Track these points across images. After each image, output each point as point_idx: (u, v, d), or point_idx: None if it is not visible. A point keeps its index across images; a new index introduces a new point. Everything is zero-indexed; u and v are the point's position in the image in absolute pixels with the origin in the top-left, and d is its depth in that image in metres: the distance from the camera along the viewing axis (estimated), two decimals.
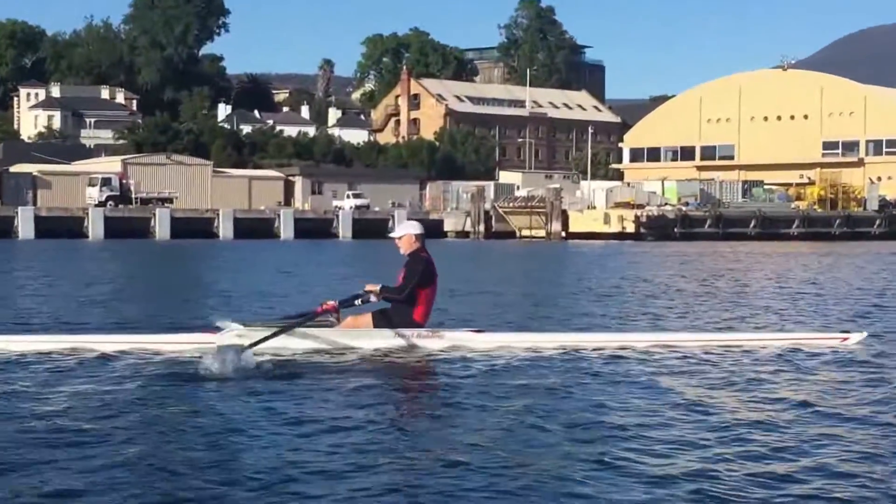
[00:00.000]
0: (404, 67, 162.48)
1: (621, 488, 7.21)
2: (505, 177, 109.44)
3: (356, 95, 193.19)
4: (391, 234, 13.93)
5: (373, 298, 13.24)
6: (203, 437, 8.53)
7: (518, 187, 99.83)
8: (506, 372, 12.00)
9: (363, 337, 13.32)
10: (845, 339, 14.69)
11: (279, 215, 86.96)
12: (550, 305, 21.97)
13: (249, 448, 8.17)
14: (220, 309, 19.23)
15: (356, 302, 13.30)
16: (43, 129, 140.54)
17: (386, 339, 13.29)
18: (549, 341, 14.20)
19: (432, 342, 13.37)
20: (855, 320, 18.52)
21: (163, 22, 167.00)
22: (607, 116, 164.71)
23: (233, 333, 13.01)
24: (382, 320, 13.38)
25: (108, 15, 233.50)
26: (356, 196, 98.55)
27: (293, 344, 13.17)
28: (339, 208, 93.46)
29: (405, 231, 13.66)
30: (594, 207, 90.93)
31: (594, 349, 13.76)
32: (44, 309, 19.89)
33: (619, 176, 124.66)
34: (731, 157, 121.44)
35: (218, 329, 13.34)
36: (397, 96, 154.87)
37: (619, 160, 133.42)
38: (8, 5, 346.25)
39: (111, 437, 8.40)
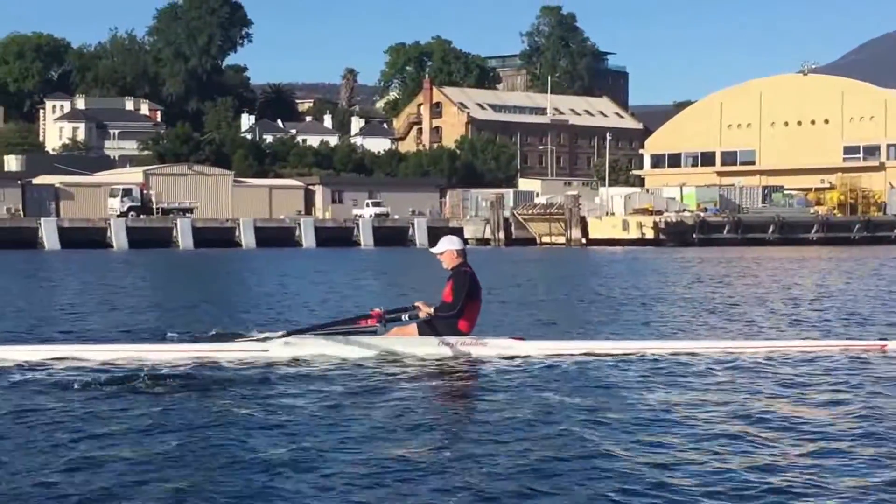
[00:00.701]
0: (426, 76, 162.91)
1: (665, 498, 7.45)
2: (524, 184, 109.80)
3: (380, 104, 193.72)
4: (432, 250, 14.19)
5: (421, 315, 13.61)
6: (251, 440, 8.93)
7: (537, 194, 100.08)
8: (548, 379, 12.24)
9: (409, 344, 13.63)
10: (884, 346, 14.80)
11: (300, 224, 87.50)
12: (584, 312, 22.17)
13: (294, 451, 8.54)
14: (266, 317, 19.80)
15: (403, 316, 13.70)
16: (67, 141, 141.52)
17: (431, 347, 13.59)
18: (592, 348, 14.42)
19: (476, 349, 13.65)
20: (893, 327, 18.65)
21: (186, 33, 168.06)
22: (629, 123, 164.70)
23: (282, 341, 13.54)
24: (428, 329, 13.72)
25: (132, 27, 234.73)
26: (376, 204, 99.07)
27: (340, 350, 13.55)
28: (359, 217, 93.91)
29: (446, 247, 13.91)
30: (613, 214, 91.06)
31: (637, 356, 14.03)
32: (107, 319, 20.28)
33: (640, 182, 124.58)
34: (752, 163, 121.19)
35: (266, 338, 13.83)
36: (419, 105, 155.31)
37: (641, 166, 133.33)
38: (34, 18, 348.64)
39: (163, 445, 8.76)
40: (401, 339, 13.67)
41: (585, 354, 13.99)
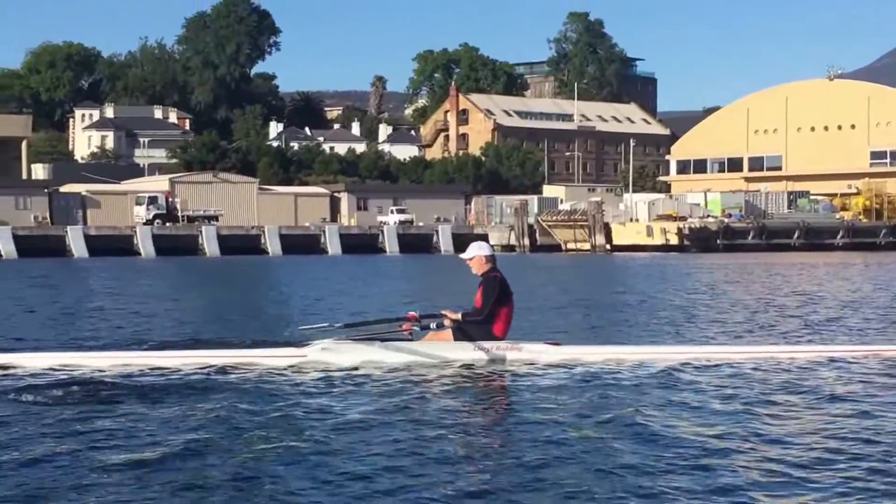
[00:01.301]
0: (452, 83, 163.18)
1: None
2: (548, 190, 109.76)
3: (409, 111, 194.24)
4: (462, 256, 14.25)
5: (447, 324, 13.73)
6: (289, 443, 9.11)
7: (561, 201, 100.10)
8: (583, 384, 12.31)
9: (445, 349, 13.72)
10: None
11: (325, 231, 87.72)
12: (616, 318, 22.24)
13: (332, 454, 8.71)
14: (304, 323, 20.02)
15: (432, 325, 13.82)
16: (96, 150, 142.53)
17: (467, 352, 13.67)
18: (626, 354, 14.50)
19: (512, 354, 13.72)
20: None
21: (215, 42, 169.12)
22: (656, 129, 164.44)
23: (319, 347, 13.74)
24: (463, 335, 13.77)
25: (162, 36, 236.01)
26: (400, 211, 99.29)
27: (377, 356, 13.68)
28: (384, 224, 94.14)
29: (475, 253, 13.99)
30: (636, 220, 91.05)
31: (672, 362, 14.00)
32: (150, 325, 20.53)
33: (667, 188, 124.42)
34: (779, 168, 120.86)
35: (306, 343, 14.08)
36: (446, 112, 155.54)
37: (668, 172, 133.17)
38: (65, 28, 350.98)
39: (203, 449, 8.94)
40: (437, 345, 13.76)
41: (622, 360, 14.07)
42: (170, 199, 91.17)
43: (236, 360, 13.82)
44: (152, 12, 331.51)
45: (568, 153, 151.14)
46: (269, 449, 8.88)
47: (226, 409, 10.69)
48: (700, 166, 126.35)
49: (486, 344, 13.68)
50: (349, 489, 7.72)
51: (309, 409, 10.74)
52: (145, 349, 15.23)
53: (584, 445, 9.07)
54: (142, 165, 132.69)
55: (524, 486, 7.79)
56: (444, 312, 13.86)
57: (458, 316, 13.69)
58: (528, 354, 13.83)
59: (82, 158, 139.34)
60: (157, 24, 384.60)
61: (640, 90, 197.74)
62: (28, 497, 7.52)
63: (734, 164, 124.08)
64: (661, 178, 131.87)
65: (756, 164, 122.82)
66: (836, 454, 8.82)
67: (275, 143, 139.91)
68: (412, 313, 13.83)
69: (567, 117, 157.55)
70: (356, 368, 13.23)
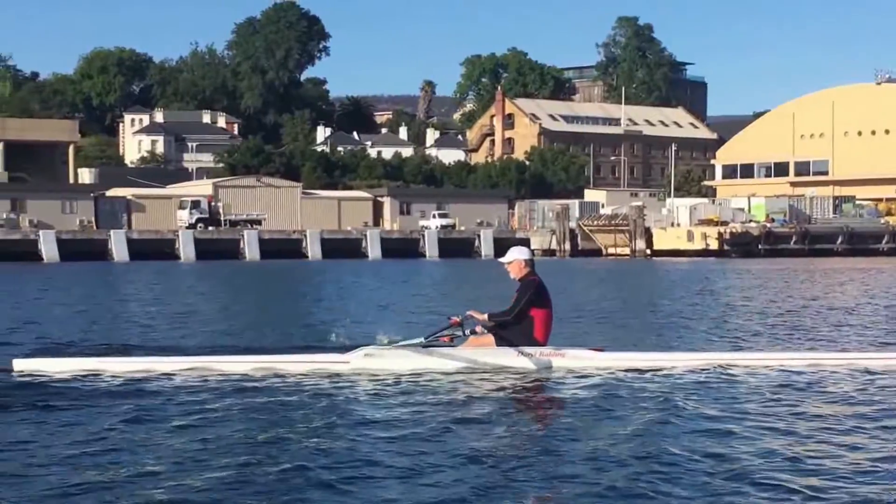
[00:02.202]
0: (498, 88, 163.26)
1: None
2: (590, 195, 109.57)
3: (457, 116, 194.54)
4: (500, 260, 14.26)
5: (478, 329, 13.83)
6: (332, 449, 9.29)
7: (603, 205, 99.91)
8: (627, 390, 12.35)
9: (488, 355, 13.75)
10: None
11: (366, 235, 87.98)
12: (657, 323, 22.28)
13: (374, 460, 8.88)
14: (347, 329, 20.18)
15: (465, 331, 13.85)
16: (146, 154, 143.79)
17: (510, 358, 13.71)
18: (670, 360, 14.52)
19: (555, 360, 13.79)
20: None
21: (264, 47, 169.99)
22: (703, 133, 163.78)
23: (362, 353, 13.90)
24: (504, 340, 13.81)
25: (212, 41, 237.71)
26: (442, 216, 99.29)
27: (419, 362, 13.79)
28: (426, 228, 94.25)
29: (514, 257, 14.00)
30: (678, 225, 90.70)
31: (719, 368, 14.03)
32: (186, 329, 20.89)
33: (713, 193, 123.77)
34: (825, 173, 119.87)
35: (349, 349, 14.26)
36: (492, 116, 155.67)
37: (713, 177, 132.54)
38: (117, 34, 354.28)
39: (243, 453, 9.12)
40: (479, 351, 13.78)
41: (665, 366, 14.08)
42: (212, 203, 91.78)
43: (280, 365, 14.00)
44: (203, 18, 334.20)
45: (613, 157, 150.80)
46: (311, 455, 9.02)
47: (269, 414, 10.85)
48: (746, 171, 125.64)
49: (529, 350, 13.72)
50: (391, 494, 7.86)
51: (351, 415, 10.86)
52: (185, 355, 15.43)
53: (629, 452, 9.12)
54: (190, 170, 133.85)
55: (567, 491, 7.89)
56: (470, 313, 13.88)
57: (485, 316, 13.72)
58: (572, 361, 13.87)
59: (132, 163, 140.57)
60: (208, 30, 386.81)
61: (690, 94, 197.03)
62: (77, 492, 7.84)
63: (780, 169, 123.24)
64: (707, 183, 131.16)
65: (802, 168, 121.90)
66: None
67: (320, 148, 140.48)
68: (455, 318, 13.74)
69: (613, 121, 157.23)
70: (399, 375, 13.34)
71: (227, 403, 11.54)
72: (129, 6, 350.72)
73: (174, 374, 13.50)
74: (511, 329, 13.74)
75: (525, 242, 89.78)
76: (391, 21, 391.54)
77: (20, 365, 14.05)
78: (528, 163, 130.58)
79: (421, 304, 29.26)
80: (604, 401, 11.61)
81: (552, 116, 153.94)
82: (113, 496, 7.76)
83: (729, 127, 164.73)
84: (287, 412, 10.97)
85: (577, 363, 13.84)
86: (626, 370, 13.71)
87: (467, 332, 13.81)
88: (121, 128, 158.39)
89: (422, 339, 14.04)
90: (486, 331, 13.79)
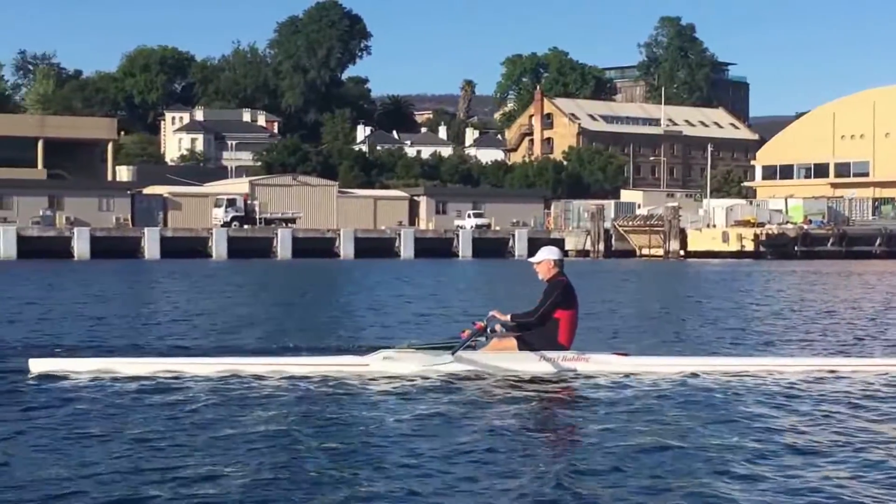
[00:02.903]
0: (537, 87, 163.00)
1: None
2: (626, 195, 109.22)
3: (498, 115, 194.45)
4: (530, 260, 14.13)
5: (498, 328, 13.60)
6: (350, 451, 9.32)
7: (639, 206, 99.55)
8: (651, 397, 12.22)
9: (510, 360, 13.63)
10: None
11: (399, 235, 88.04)
12: (683, 327, 22.17)
13: (392, 463, 8.89)
14: (373, 331, 20.31)
15: (488, 332, 13.74)
16: (185, 152, 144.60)
17: (532, 362, 13.57)
18: (694, 365, 14.34)
19: (578, 365, 13.62)
20: None
21: (306, 46, 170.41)
22: (744, 134, 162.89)
23: (381, 356, 13.89)
24: (527, 344, 13.66)
25: (254, 40, 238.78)
26: (477, 215, 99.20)
27: (437, 365, 13.69)
28: (460, 228, 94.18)
29: (543, 257, 13.84)
30: (714, 226, 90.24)
31: (746, 373, 13.94)
32: (215, 331, 20.89)
33: (752, 194, 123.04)
34: (866, 174, 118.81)
35: (371, 350, 14.32)
36: (531, 116, 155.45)
37: (754, 178, 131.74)
38: (160, 32, 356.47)
39: (263, 454, 9.19)
40: (501, 355, 13.64)
41: (690, 371, 13.93)
42: (248, 202, 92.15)
43: (298, 367, 13.97)
44: (246, 17, 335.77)
45: (653, 158, 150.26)
46: (329, 456, 9.05)
47: (287, 416, 10.87)
48: (786, 172, 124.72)
49: (552, 354, 13.57)
50: (409, 497, 7.88)
51: (369, 418, 10.85)
52: (202, 356, 15.44)
53: (653, 458, 9.10)
54: (229, 168, 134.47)
55: (588, 497, 7.86)
56: (492, 313, 13.71)
57: (507, 317, 13.57)
58: (595, 365, 13.70)
59: (171, 161, 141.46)
60: (251, 29, 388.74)
61: (732, 95, 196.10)
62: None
63: (820, 170, 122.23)
64: (747, 184, 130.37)
65: (843, 170, 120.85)
66: None
67: (359, 147, 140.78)
68: (479, 323, 13.60)
69: (653, 122, 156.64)
70: (418, 378, 13.28)
71: (245, 404, 11.59)
72: (172, 5, 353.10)
73: (190, 375, 13.50)
74: (534, 331, 13.57)
75: (559, 242, 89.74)
76: (433, 20, 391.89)
77: (36, 365, 14.06)
78: (565, 163, 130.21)
79: (437, 305, 29.21)
80: (628, 407, 11.55)
81: (591, 116, 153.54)
82: (129, 496, 7.85)
83: (772, 127, 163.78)
84: (306, 414, 11.01)
85: (601, 368, 13.67)
86: (651, 375, 13.62)
87: (489, 331, 13.65)
88: (162, 126, 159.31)
89: (441, 344, 14.08)
90: (505, 331, 13.62)
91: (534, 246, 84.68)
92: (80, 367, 13.93)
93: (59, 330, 20.59)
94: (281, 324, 22.65)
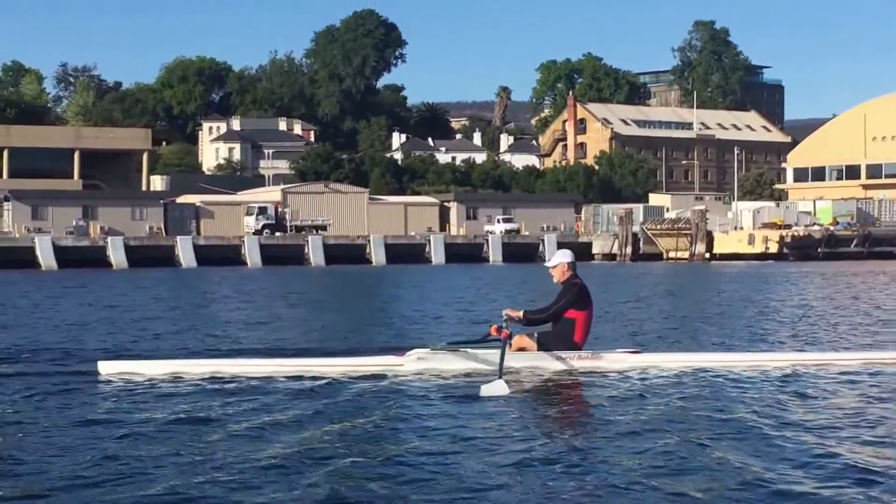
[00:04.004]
0: (570, 93, 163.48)
1: None
2: (654, 199, 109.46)
3: (534, 121, 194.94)
4: (546, 264, 14.68)
5: (511, 321, 14.07)
6: (384, 450, 9.60)
7: (668, 209, 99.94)
8: (664, 392, 12.54)
9: (528, 359, 14.15)
10: None
11: (430, 240, 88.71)
12: (701, 325, 22.56)
13: (425, 461, 9.13)
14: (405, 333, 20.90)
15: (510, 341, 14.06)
16: (222, 161, 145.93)
17: (548, 361, 14.13)
18: (704, 361, 14.81)
19: (592, 363, 14.17)
20: None
21: (341, 54, 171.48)
22: (777, 136, 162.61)
23: (415, 356, 14.47)
24: (545, 344, 14.21)
25: (291, 50, 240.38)
26: (506, 220, 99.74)
27: (467, 366, 14.28)
28: (490, 233, 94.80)
29: (558, 261, 14.43)
30: (741, 228, 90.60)
31: (755, 368, 14.37)
32: (252, 334, 21.45)
33: (784, 196, 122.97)
34: None
35: (403, 352, 14.77)
36: (564, 121, 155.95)
37: (785, 180, 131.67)
38: (197, 43, 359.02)
39: (301, 454, 9.47)
40: (523, 355, 14.12)
41: (701, 367, 14.34)
42: (279, 210, 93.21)
43: (335, 367, 14.53)
44: (283, 27, 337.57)
45: (685, 161, 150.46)
46: (365, 454, 9.36)
47: (323, 415, 11.26)
48: (818, 174, 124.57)
49: (566, 353, 14.10)
50: (444, 496, 8.08)
51: (404, 416, 11.23)
52: (244, 357, 16.02)
53: (662, 453, 9.28)
54: (266, 176, 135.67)
55: (600, 496, 8.04)
56: (506, 312, 14.20)
57: (520, 314, 14.11)
58: (609, 363, 14.24)
59: (208, 170, 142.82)
60: (287, 39, 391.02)
61: (767, 98, 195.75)
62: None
63: (852, 172, 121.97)
64: (779, 186, 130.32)
65: (875, 171, 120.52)
66: None
67: (396, 154, 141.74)
68: (504, 331, 13.89)
69: (686, 125, 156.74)
70: (450, 377, 13.81)
71: (288, 404, 12.00)
72: (210, 16, 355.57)
73: (242, 377, 14.02)
74: (552, 332, 14.23)
75: (588, 246, 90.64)
76: (469, 28, 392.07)
77: (105, 368, 14.60)
78: (596, 167, 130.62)
79: (467, 307, 29.84)
80: (638, 403, 11.88)
81: (624, 121, 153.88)
82: (191, 494, 8.17)
83: (807, 130, 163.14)
84: (340, 414, 11.35)
85: (615, 365, 14.19)
86: (662, 371, 14.08)
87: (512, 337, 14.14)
88: (200, 136, 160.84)
89: (471, 343, 14.69)
90: (527, 329, 14.32)
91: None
92: (148, 370, 14.49)
93: (127, 334, 21.28)
94: (321, 327, 23.23)
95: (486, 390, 12.48)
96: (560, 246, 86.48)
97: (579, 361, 14.15)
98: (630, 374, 13.89)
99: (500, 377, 12.87)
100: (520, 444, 9.76)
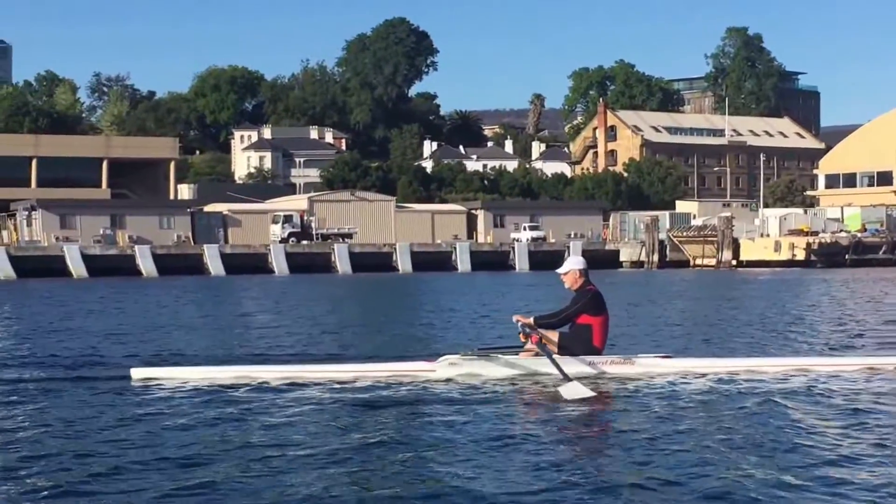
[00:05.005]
0: (601, 100, 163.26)
1: None
2: (681, 206, 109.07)
3: (567, 128, 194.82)
4: (557, 271, 14.65)
5: (523, 332, 14.21)
6: (417, 455, 9.65)
7: (694, 216, 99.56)
8: (696, 398, 12.52)
9: (564, 364, 13.82)
10: None
11: (456, 248, 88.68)
12: (731, 330, 22.60)
13: (458, 468, 9.12)
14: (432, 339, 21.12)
15: (521, 337, 14.31)
16: (253, 170, 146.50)
17: (581, 366, 14.01)
18: (737, 367, 14.81)
19: (624, 368, 14.16)
20: None
21: (373, 63, 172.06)
22: (810, 143, 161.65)
23: (447, 362, 14.49)
24: (565, 348, 14.14)
25: (323, 58, 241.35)
26: (533, 228, 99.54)
27: (499, 371, 14.29)
28: (517, 240, 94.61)
29: (569, 267, 14.43)
30: (767, 235, 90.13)
31: (785, 374, 14.33)
32: (282, 341, 21.52)
33: (816, 203, 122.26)
34: None
35: (437, 357, 14.89)
36: (595, 128, 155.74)
37: (815, 187, 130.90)
38: (230, 53, 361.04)
39: (331, 458, 9.57)
40: (558, 360, 13.87)
41: (733, 372, 14.35)
42: (304, 218, 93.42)
43: (367, 373, 14.65)
44: (315, 36, 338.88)
45: (717, 168, 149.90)
46: (396, 460, 9.41)
47: (357, 421, 11.35)
48: (849, 180, 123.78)
49: (599, 358, 14.14)
50: (468, 498, 8.16)
51: (437, 422, 11.29)
52: (277, 363, 16.09)
53: (694, 459, 9.27)
54: (297, 185, 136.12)
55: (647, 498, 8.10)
56: (516, 318, 14.34)
57: (531, 320, 14.17)
58: (641, 368, 14.25)
59: (240, 179, 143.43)
60: (320, 48, 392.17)
61: (803, 104, 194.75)
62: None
63: (884, 178, 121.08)
64: (810, 193, 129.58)
65: None
66: None
67: (426, 162, 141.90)
68: (534, 335, 13.99)
69: (718, 132, 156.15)
70: (483, 382, 13.82)
71: (320, 409, 12.16)
72: (243, 26, 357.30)
73: (271, 382, 14.14)
74: (571, 336, 14.16)
75: (615, 254, 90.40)
76: (498, 35, 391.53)
77: (138, 374, 14.81)
78: (625, 174, 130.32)
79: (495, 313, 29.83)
80: (670, 408, 11.89)
81: (655, 128, 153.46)
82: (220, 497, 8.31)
83: (843, 137, 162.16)
84: (372, 419, 11.45)
85: (646, 370, 14.20)
86: (695, 376, 14.04)
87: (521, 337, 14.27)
88: (232, 144, 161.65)
89: (502, 349, 14.79)
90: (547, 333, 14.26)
91: (588, 257, 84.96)
92: (179, 375, 14.69)
93: (162, 341, 21.48)
94: (352, 333, 23.45)
95: (567, 394, 12.58)
96: (587, 253, 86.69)
97: (612, 366, 14.15)
98: (664, 379, 13.88)
99: (570, 380, 13.02)
100: (554, 451, 9.77)
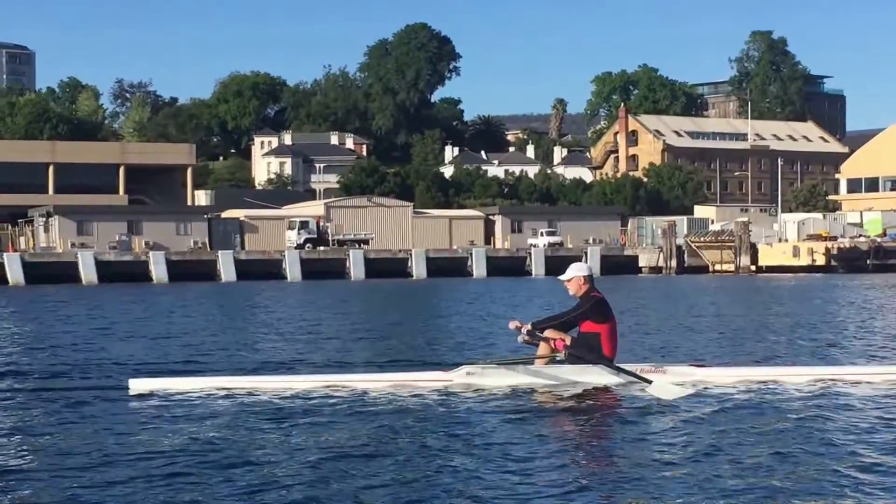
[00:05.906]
0: (622, 105, 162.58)
1: None
2: (699, 211, 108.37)
3: (590, 133, 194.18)
4: (560, 277, 14.35)
5: (521, 338, 14.06)
6: (434, 465, 9.56)
7: (712, 221, 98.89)
8: (730, 407, 12.38)
9: (588, 374, 13.86)
10: None
11: (471, 254, 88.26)
12: (765, 339, 22.30)
13: (476, 479, 9.03)
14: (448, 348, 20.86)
15: (519, 338, 14.18)
16: (273, 176, 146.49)
17: (610, 376, 13.83)
18: (776, 375, 14.59)
19: (656, 377, 13.75)
20: None
21: (395, 68, 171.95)
22: (834, 147, 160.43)
23: (464, 371, 14.28)
24: (575, 356, 13.86)
25: (345, 64, 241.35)
26: (550, 233, 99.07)
27: (519, 380, 14.03)
28: (534, 246, 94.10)
29: (573, 274, 14.08)
30: (786, 240, 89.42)
31: (824, 382, 14.06)
32: (293, 349, 21.32)
33: (838, 207, 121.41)
34: None
35: (454, 366, 14.67)
36: (616, 133, 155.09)
37: (837, 191, 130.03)
38: (252, 59, 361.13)
39: (349, 468, 9.49)
40: (581, 368, 13.85)
41: (769, 381, 14.13)
42: (320, 224, 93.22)
43: (384, 383, 14.41)
44: (336, 42, 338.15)
45: (738, 173, 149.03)
46: (415, 470, 9.33)
47: (373, 430, 11.24)
48: (871, 185, 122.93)
49: (630, 367, 13.91)
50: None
51: (453, 431, 11.15)
52: (291, 373, 15.95)
53: (729, 471, 9.18)
54: (317, 191, 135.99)
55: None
56: (512, 325, 14.19)
57: (528, 326, 13.95)
58: (674, 377, 13.89)
59: (260, 185, 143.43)
60: (341, 53, 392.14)
61: (828, 108, 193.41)
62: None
63: None
64: (832, 197, 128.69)
65: None
66: None
67: (447, 168, 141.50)
68: (559, 341, 13.85)
69: (740, 137, 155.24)
70: (500, 392, 13.60)
71: (325, 421, 11.95)
72: (264, 32, 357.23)
73: (283, 393, 13.92)
74: (581, 345, 13.86)
75: (634, 259, 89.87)
76: (520, 40, 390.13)
77: (136, 384, 14.54)
78: (644, 179, 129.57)
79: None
80: (704, 417, 11.77)
81: (677, 132, 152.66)
82: None
83: (868, 140, 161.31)
84: (389, 429, 11.32)
85: (679, 379, 13.82)
86: (730, 385, 13.79)
87: (519, 339, 14.08)
88: (252, 150, 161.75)
89: (521, 359, 14.47)
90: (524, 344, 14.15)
91: (607, 263, 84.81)
92: (178, 386, 14.41)
93: (159, 351, 21.19)
94: (368, 341, 23.21)
95: (662, 394, 12.64)
96: (604, 259, 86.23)
97: (643, 375, 13.79)
98: (700, 388, 13.55)
99: (648, 382, 13.12)
100: (580, 461, 9.68)
